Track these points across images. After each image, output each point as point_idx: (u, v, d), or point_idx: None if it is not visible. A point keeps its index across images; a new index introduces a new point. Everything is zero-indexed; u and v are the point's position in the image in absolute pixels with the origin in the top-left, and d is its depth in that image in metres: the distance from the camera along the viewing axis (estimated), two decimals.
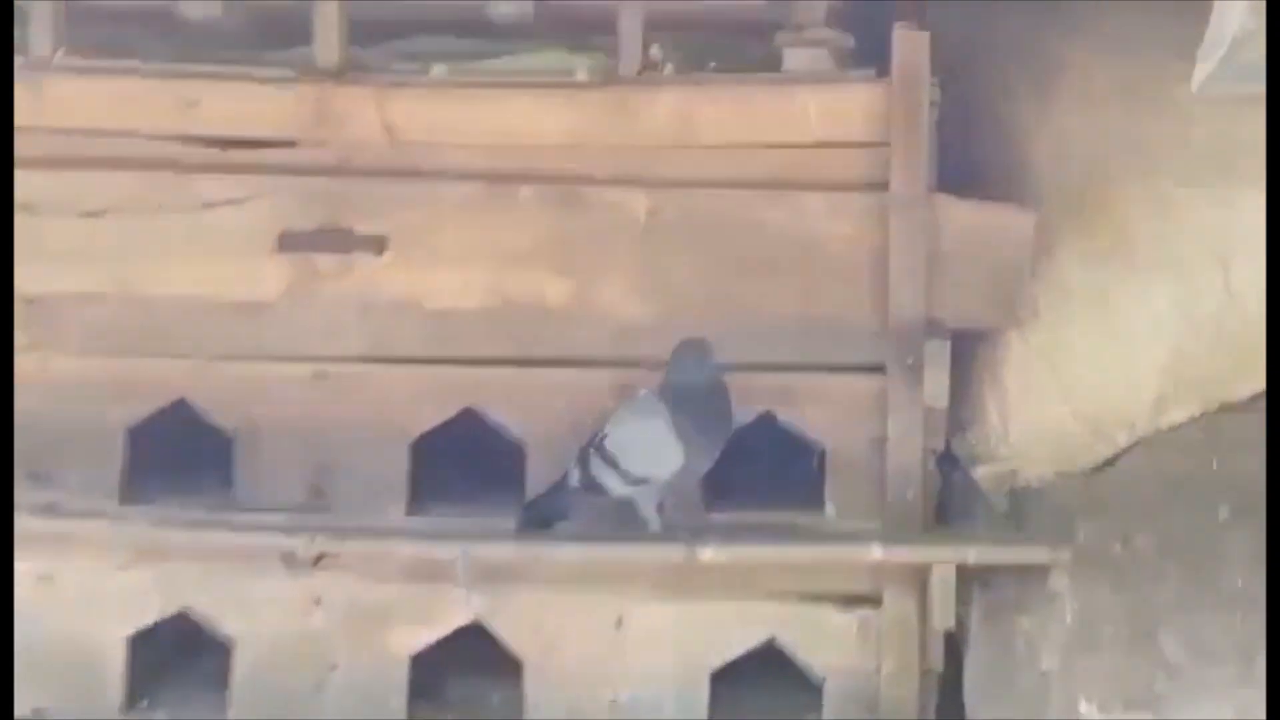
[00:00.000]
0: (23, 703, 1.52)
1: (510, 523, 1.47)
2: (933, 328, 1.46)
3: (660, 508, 1.46)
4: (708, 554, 1.41)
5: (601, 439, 1.43)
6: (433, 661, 1.53)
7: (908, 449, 1.46)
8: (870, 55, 1.51)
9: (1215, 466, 1.43)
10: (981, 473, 1.54)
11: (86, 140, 1.53)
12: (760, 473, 1.61)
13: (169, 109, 1.52)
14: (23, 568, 1.49)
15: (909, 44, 1.44)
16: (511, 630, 1.49)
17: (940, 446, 1.53)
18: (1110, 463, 1.52)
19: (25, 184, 1.50)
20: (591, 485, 1.43)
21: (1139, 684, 1.33)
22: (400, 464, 1.50)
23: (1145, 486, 1.47)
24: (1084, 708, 1.34)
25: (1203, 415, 1.49)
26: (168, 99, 1.52)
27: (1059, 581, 1.41)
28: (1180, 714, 1.30)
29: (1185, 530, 1.42)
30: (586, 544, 1.47)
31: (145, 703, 1.55)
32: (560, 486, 1.45)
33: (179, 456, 1.61)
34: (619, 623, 1.49)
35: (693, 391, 1.40)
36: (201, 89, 1.52)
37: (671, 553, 1.43)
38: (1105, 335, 1.49)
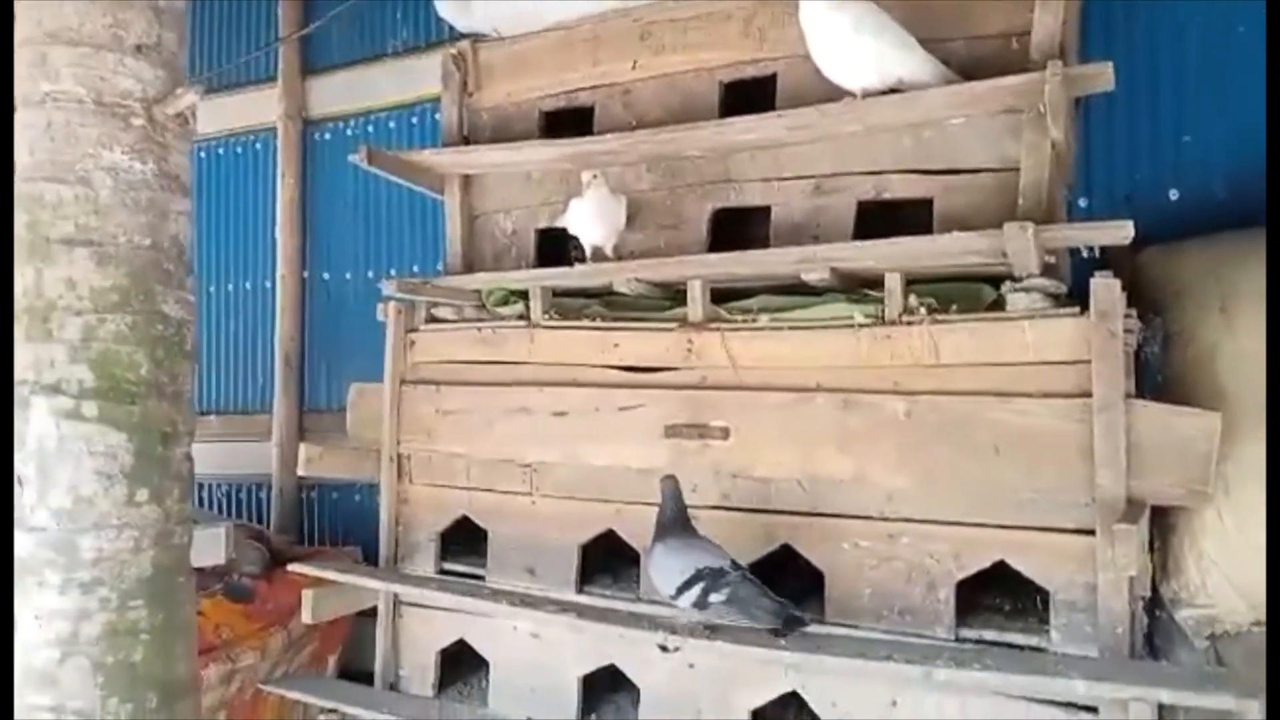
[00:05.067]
0: (520, 711, 2.46)
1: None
2: (1132, 504, 1.82)
3: None
4: (941, 675, 1.81)
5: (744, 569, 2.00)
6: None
7: (1115, 596, 1.81)
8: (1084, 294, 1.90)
9: None
10: (1183, 616, 1.86)
11: (558, 369, 2.46)
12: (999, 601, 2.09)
13: (603, 348, 2.39)
14: (523, 627, 2.46)
15: (1104, 289, 1.85)
16: (817, 699, 2.10)
17: (1147, 593, 1.91)
18: None
19: (522, 396, 2.48)
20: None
21: None
22: None
23: None
24: None
25: None
26: (603, 343, 2.39)
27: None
28: None
29: None
30: (861, 660, 1.92)
31: (592, 716, 2.37)
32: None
33: (609, 564, 2.47)
34: (893, 704, 2.01)
35: None
36: (621, 336, 2.37)
37: (916, 672, 1.85)
38: None
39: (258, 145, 3.81)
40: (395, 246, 3.49)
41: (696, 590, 1.98)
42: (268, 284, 3.76)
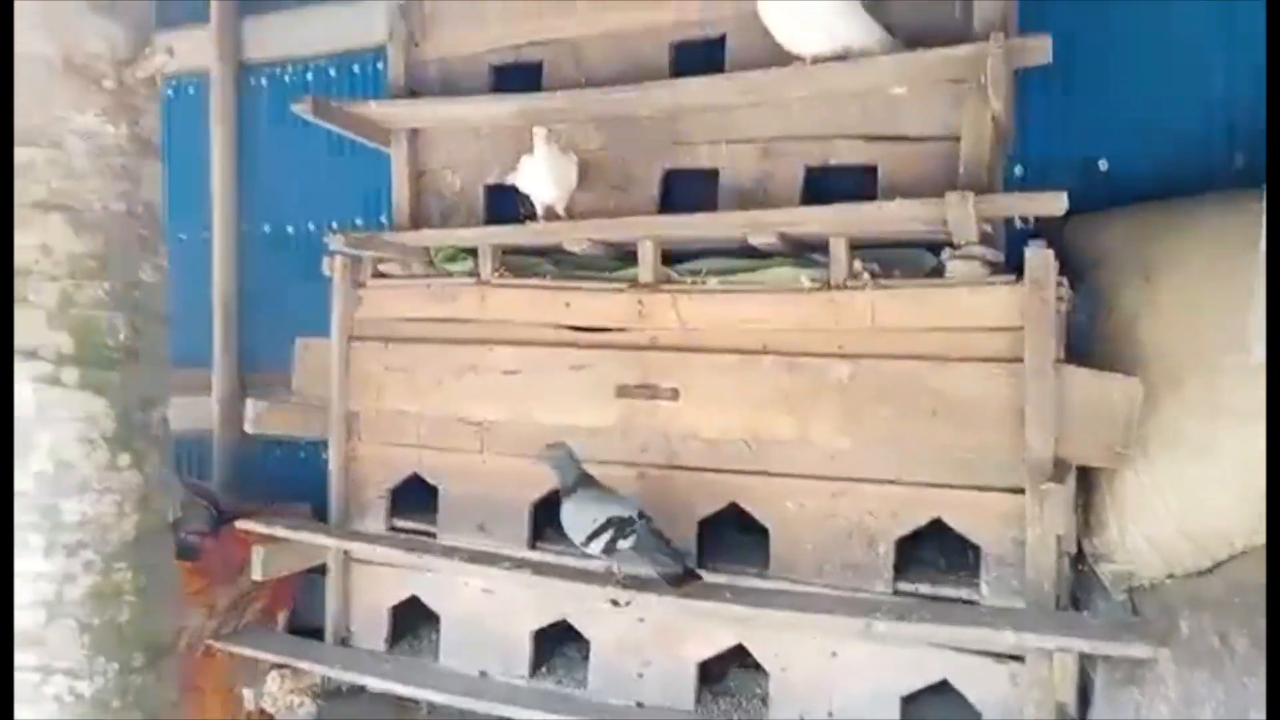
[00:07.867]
0: (473, 666, 2.50)
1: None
2: (1059, 465, 1.91)
3: None
4: (880, 628, 1.91)
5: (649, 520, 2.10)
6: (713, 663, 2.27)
7: (1042, 552, 1.91)
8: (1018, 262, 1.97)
9: None
10: (1104, 570, 1.98)
11: (508, 327, 2.47)
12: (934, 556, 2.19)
13: (554, 307, 2.40)
14: (474, 583, 2.50)
15: (1038, 258, 1.92)
16: (761, 651, 2.18)
17: (1072, 549, 2.02)
18: (1212, 570, 1.87)
19: (472, 355, 2.48)
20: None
21: None
22: (691, 536, 2.23)
23: (1241, 592, 1.77)
24: None
25: None
26: (553, 302, 2.40)
27: (1165, 667, 1.71)
28: None
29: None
30: (804, 613, 2.03)
31: (544, 670, 2.43)
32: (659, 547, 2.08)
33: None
34: (834, 655, 2.09)
35: None
36: (572, 295, 2.38)
37: (856, 625, 1.95)
38: (1207, 472, 1.85)
39: (190, 89, 3.67)
40: (337, 199, 3.42)
41: (605, 537, 2.08)
42: (204, 235, 3.66)
